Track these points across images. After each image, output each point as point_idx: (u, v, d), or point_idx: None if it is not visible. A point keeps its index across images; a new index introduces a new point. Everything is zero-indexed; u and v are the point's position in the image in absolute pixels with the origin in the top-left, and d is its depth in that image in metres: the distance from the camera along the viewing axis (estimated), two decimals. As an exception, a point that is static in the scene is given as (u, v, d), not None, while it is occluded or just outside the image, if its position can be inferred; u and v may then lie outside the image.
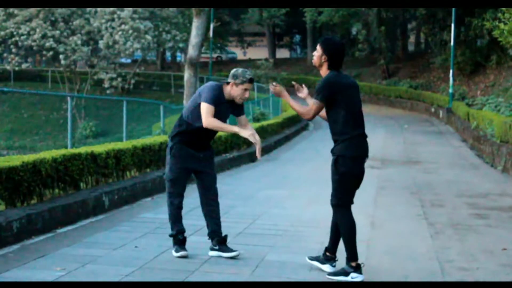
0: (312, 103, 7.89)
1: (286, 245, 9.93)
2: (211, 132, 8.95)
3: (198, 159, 8.93)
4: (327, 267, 8.06)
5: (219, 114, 8.67)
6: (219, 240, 8.87)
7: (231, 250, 8.82)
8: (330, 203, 7.90)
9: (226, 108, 8.83)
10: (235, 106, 8.89)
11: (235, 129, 8.80)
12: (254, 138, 8.53)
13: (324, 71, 7.86)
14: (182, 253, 8.64)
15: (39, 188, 10.86)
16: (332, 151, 7.84)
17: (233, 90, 8.64)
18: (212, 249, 8.89)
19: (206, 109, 8.55)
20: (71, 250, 9.05)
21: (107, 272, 7.97)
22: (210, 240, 8.95)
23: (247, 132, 8.65)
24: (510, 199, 15.54)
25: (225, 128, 8.81)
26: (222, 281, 7.63)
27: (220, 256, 8.72)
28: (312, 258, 8.36)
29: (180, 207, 8.87)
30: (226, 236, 8.96)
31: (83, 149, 12.72)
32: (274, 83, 8.36)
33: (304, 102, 8.41)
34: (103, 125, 43.83)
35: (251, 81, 8.64)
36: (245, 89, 8.64)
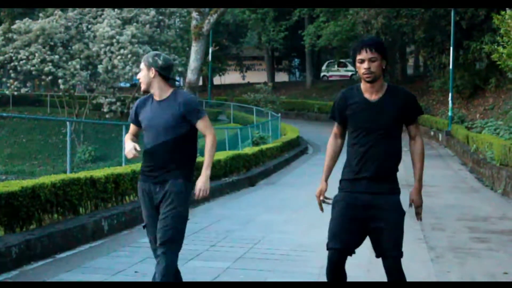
0: (417, 129, 6.41)
1: (286, 270, 9.94)
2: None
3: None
4: None
5: (146, 121, 6.98)
6: None
7: None
8: (400, 256, 6.25)
9: (153, 112, 6.98)
10: (173, 106, 6.97)
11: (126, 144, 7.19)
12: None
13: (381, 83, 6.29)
14: None
15: (38, 213, 10.88)
16: (393, 187, 6.27)
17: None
18: None
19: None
20: (70, 276, 9.06)
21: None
22: None
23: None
24: (511, 222, 15.54)
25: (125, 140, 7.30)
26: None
27: None
28: None
29: None
30: None
31: (82, 174, 12.75)
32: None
33: None
34: (102, 149, 43.85)
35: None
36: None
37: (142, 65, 6.91)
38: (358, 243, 6.20)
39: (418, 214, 6.37)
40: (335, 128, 6.42)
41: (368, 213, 6.07)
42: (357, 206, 6.09)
